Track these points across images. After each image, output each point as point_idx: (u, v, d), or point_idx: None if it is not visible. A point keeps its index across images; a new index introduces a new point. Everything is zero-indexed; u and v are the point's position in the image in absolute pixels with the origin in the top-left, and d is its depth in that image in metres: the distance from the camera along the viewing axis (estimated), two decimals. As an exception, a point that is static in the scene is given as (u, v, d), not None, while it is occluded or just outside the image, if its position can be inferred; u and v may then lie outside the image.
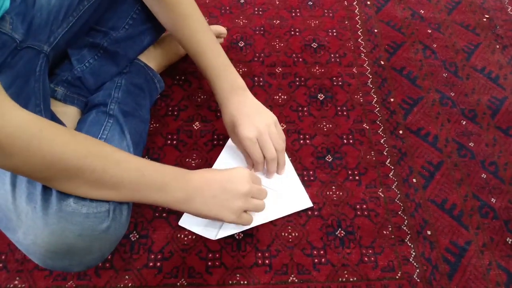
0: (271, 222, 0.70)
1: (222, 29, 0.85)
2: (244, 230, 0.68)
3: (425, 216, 0.72)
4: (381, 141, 0.80)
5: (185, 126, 0.80)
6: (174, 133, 0.79)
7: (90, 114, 0.65)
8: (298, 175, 0.74)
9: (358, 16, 0.98)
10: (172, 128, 0.79)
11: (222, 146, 0.77)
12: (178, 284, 0.65)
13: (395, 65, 0.90)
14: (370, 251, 0.69)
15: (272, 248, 0.68)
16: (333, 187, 0.74)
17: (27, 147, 0.42)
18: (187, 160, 0.76)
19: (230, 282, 0.65)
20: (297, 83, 0.86)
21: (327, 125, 0.81)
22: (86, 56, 0.68)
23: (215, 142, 0.78)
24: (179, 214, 0.69)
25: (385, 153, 0.79)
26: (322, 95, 0.85)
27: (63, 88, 0.67)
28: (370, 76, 0.88)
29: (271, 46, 0.91)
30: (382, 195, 0.74)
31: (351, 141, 0.80)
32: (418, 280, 0.66)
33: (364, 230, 0.70)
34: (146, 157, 0.75)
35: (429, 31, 0.97)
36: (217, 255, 0.67)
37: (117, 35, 0.69)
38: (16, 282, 0.64)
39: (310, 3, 0.99)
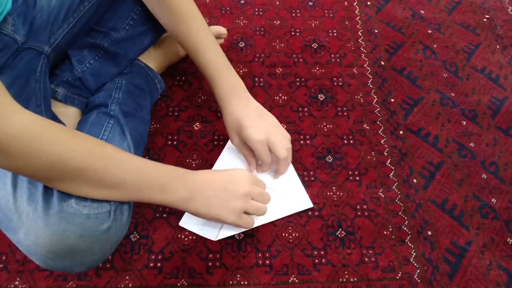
0: (271, 222, 0.70)
1: (222, 30, 0.85)
2: (245, 231, 0.68)
3: (426, 217, 0.72)
4: (382, 142, 0.80)
5: (186, 126, 0.80)
6: (174, 134, 0.79)
7: (91, 115, 0.65)
8: (299, 175, 0.74)
9: (358, 17, 0.98)
10: (172, 128, 0.79)
11: (223, 146, 0.77)
12: (179, 284, 0.65)
13: (395, 66, 0.90)
14: (371, 252, 0.69)
15: (273, 248, 0.68)
16: (334, 188, 0.74)
17: (29, 148, 0.43)
18: (187, 160, 0.76)
19: (231, 282, 0.65)
20: (298, 83, 0.87)
21: (328, 126, 0.81)
22: (87, 56, 0.68)
23: (215, 142, 0.78)
24: (179, 215, 0.69)
25: (386, 154, 0.79)
26: (322, 96, 0.85)
27: (64, 89, 0.67)
28: (371, 77, 0.88)
29: (271, 46, 0.91)
30: (383, 196, 0.74)
31: (351, 141, 0.80)
32: (419, 281, 0.66)
33: (364, 231, 0.70)
34: (147, 157, 0.76)
35: (430, 31, 0.97)
36: (218, 256, 0.67)
37: (117, 36, 0.70)
38: (17, 282, 0.64)
39: (310, 3, 0.99)
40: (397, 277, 0.67)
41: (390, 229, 0.71)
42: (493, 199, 0.75)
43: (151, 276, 0.65)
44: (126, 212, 0.55)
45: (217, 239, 0.67)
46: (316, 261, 0.67)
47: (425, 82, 0.89)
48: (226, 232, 0.67)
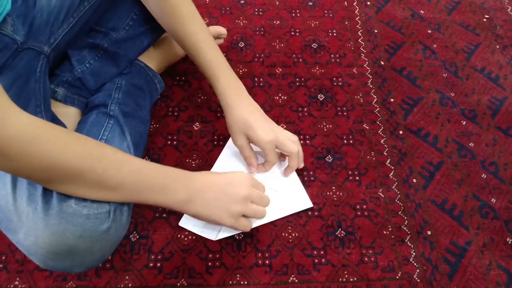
0: (271, 222, 0.70)
1: (222, 30, 0.85)
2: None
3: (425, 216, 0.72)
4: (381, 142, 0.80)
5: (185, 126, 0.80)
6: (174, 134, 0.79)
7: (91, 115, 0.65)
8: (298, 175, 0.74)
9: (358, 17, 0.98)
10: (172, 128, 0.79)
11: (222, 146, 0.77)
12: (178, 284, 0.65)
13: (395, 66, 0.90)
14: (370, 251, 0.69)
15: (272, 248, 0.68)
16: (333, 188, 0.74)
17: (27, 150, 0.43)
18: (187, 160, 0.76)
19: (230, 282, 0.65)
20: (297, 83, 0.87)
21: (327, 126, 0.81)
22: (87, 57, 0.68)
23: (215, 142, 0.78)
24: (179, 215, 0.69)
25: (385, 154, 0.79)
26: (322, 96, 0.85)
27: (64, 89, 0.67)
28: (370, 77, 0.88)
29: (271, 46, 0.91)
30: (382, 196, 0.74)
31: (351, 141, 0.80)
32: (418, 280, 0.67)
33: (364, 230, 0.71)
34: (146, 157, 0.76)
35: (429, 31, 0.97)
36: (217, 256, 0.67)
37: (117, 36, 0.70)
38: (17, 282, 0.64)
39: (310, 3, 0.99)
40: (397, 277, 0.67)
41: (390, 229, 0.71)
42: (493, 199, 0.75)
43: (151, 276, 0.65)
44: (126, 213, 0.55)
45: (216, 239, 0.67)
46: (316, 261, 0.67)
47: (425, 82, 0.89)
48: (225, 232, 0.67)
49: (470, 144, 0.81)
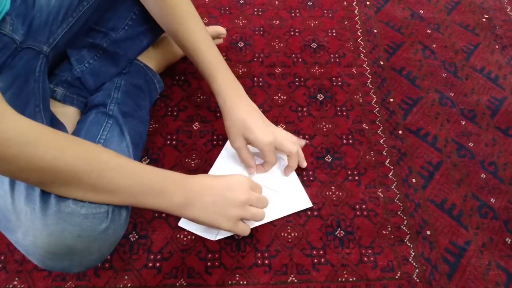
0: (270, 222, 0.70)
1: (221, 30, 0.85)
2: (244, 231, 0.68)
3: (425, 216, 0.72)
4: (381, 141, 0.80)
5: (185, 126, 0.80)
6: (173, 134, 0.79)
7: (90, 115, 0.65)
8: (298, 175, 0.74)
9: (358, 17, 0.98)
10: (171, 128, 0.79)
11: (222, 146, 0.77)
12: (178, 284, 0.65)
13: (394, 65, 0.90)
14: (370, 251, 0.69)
15: (272, 248, 0.68)
16: (333, 187, 0.74)
17: (24, 153, 0.43)
18: (186, 160, 0.76)
19: (230, 282, 0.65)
20: (297, 83, 0.87)
21: (327, 125, 0.81)
22: (86, 56, 0.68)
23: (214, 142, 0.78)
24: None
25: (385, 153, 0.79)
26: (321, 95, 0.85)
27: (63, 89, 0.67)
28: (370, 76, 0.88)
29: (270, 46, 0.91)
30: (382, 195, 0.74)
31: (350, 141, 0.80)
32: (418, 280, 0.66)
33: (363, 230, 0.70)
34: (146, 157, 0.76)
35: (429, 31, 0.97)
36: (217, 256, 0.67)
37: (116, 36, 0.70)
38: (15, 282, 0.64)
39: (310, 3, 0.99)
40: (396, 277, 0.67)
41: (389, 229, 0.71)
42: (492, 199, 0.75)
43: (150, 276, 0.65)
44: (124, 213, 0.54)
45: (216, 239, 0.67)
46: (315, 260, 0.67)
47: (424, 82, 0.89)
48: (225, 232, 0.67)
49: (469, 144, 0.81)
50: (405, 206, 0.73)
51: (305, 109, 0.83)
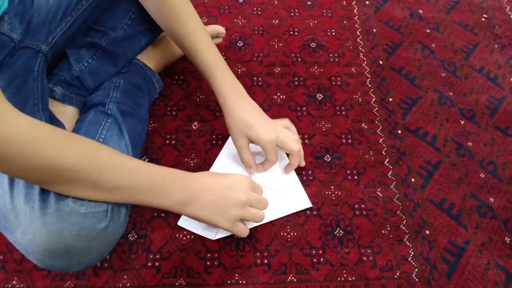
0: (270, 222, 0.70)
1: (220, 29, 0.85)
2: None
3: (424, 216, 0.72)
4: (380, 141, 0.80)
5: (184, 126, 0.80)
6: (172, 133, 0.79)
7: (89, 114, 0.64)
8: (297, 175, 0.74)
9: (357, 16, 0.98)
10: (170, 128, 0.79)
11: (221, 146, 0.77)
12: (177, 284, 0.65)
13: (393, 65, 0.90)
14: (369, 251, 0.69)
15: (271, 247, 0.68)
16: (332, 187, 0.74)
17: (24, 152, 0.43)
18: (186, 160, 0.76)
19: (229, 281, 0.65)
20: (296, 83, 0.86)
21: (326, 125, 0.81)
22: (85, 56, 0.68)
23: (213, 142, 0.78)
24: (177, 214, 0.69)
25: (384, 153, 0.79)
26: (320, 95, 0.85)
27: (62, 88, 0.67)
28: (369, 76, 0.88)
29: (270, 46, 0.91)
30: (381, 195, 0.74)
31: (349, 140, 0.80)
32: (417, 280, 0.67)
33: (362, 230, 0.70)
34: (145, 157, 0.75)
35: (428, 30, 0.97)
36: (216, 255, 0.67)
37: (115, 35, 0.69)
38: (15, 282, 0.64)
39: (309, 3, 0.99)
40: (395, 276, 0.67)
41: (388, 228, 0.71)
42: (491, 198, 0.75)
43: (149, 276, 0.65)
44: (124, 211, 0.54)
45: (215, 238, 0.67)
46: (315, 260, 0.67)
47: (424, 81, 0.89)
48: (224, 232, 0.67)
49: (468, 144, 0.81)
50: (404, 205, 0.73)
51: (304, 108, 0.83)
